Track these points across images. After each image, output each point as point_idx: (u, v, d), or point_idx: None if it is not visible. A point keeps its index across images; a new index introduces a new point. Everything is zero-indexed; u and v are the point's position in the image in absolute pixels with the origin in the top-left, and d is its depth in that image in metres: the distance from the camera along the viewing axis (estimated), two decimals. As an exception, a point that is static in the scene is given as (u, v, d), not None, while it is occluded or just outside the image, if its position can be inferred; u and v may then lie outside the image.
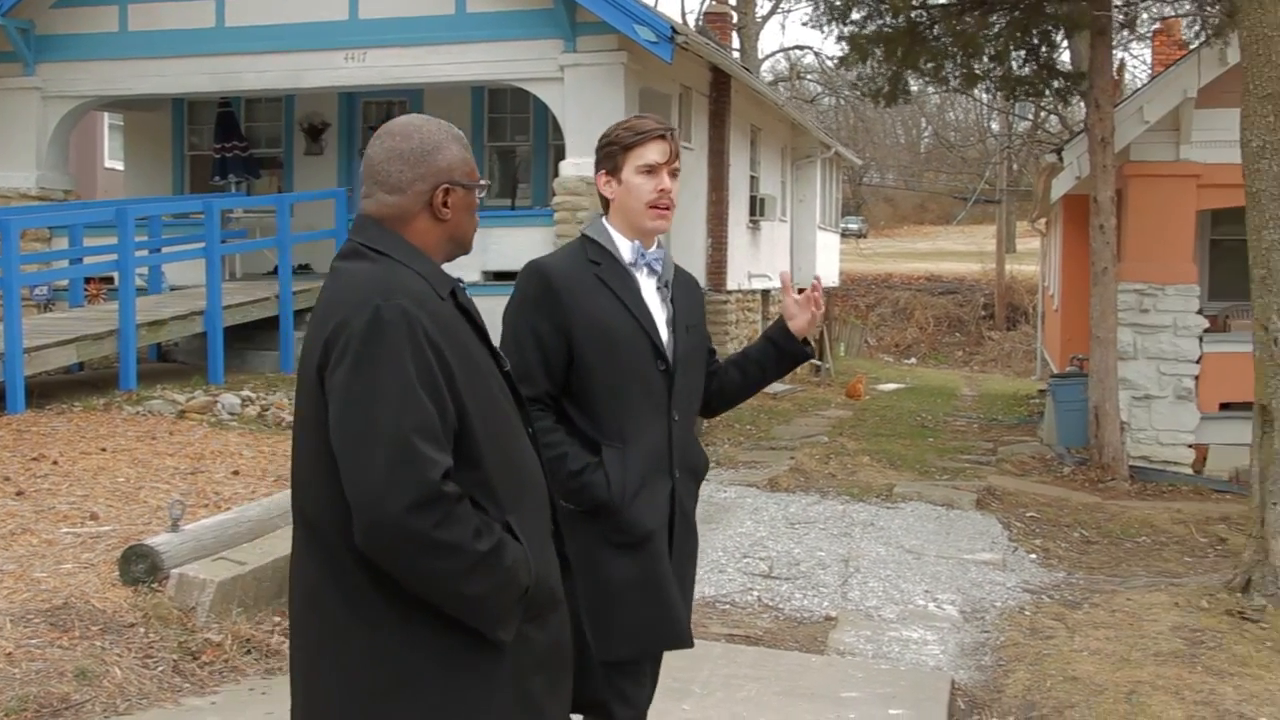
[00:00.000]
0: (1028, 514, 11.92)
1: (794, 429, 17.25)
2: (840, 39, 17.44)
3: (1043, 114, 34.50)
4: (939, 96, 48.24)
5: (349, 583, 2.69)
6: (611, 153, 3.84)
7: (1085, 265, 15.44)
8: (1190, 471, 14.99)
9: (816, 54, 50.24)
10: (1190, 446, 15.17)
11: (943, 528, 10.81)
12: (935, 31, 15.79)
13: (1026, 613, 8.28)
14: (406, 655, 2.70)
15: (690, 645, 3.81)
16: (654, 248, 3.90)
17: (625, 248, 3.85)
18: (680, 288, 3.96)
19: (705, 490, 11.82)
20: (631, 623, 3.68)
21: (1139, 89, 17.84)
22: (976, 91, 19.39)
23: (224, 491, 8.85)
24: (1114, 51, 16.19)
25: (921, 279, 43.31)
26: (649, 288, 3.86)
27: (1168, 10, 17.99)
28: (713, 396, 4.13)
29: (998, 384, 29.26)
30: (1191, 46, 16.63)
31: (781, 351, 4.12)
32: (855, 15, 15.99)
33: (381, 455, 2.58)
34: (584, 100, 15.59)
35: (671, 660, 4.12)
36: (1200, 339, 15.27)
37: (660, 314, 3.85)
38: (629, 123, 3.88)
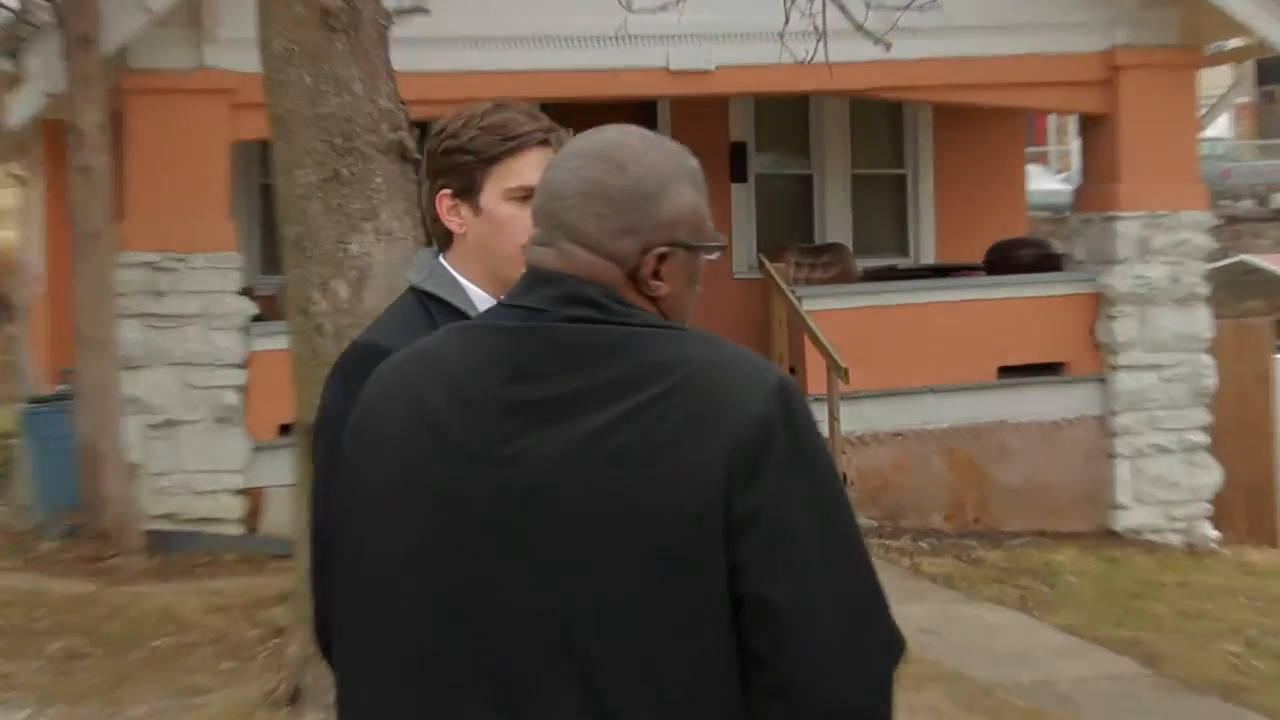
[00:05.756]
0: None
1: None
2: None
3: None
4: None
5: None
6: (463, 166, 2.48)
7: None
8: (240, 530, 11.83)
9: None
10: (240, 492, 11.79)
11: None
12: None
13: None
14: None
15: None
16: None
17: (484, 305, 2.45)
18: None
19: None
20: None
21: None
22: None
23: None
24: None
25: None
26: None
27: None
28: None
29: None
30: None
31: None
32: None
33: (877, 610, 1.82)
34: None
35: None
36: (247, 331, 11.82)
37: None
38: (489, 118, 2.49)
